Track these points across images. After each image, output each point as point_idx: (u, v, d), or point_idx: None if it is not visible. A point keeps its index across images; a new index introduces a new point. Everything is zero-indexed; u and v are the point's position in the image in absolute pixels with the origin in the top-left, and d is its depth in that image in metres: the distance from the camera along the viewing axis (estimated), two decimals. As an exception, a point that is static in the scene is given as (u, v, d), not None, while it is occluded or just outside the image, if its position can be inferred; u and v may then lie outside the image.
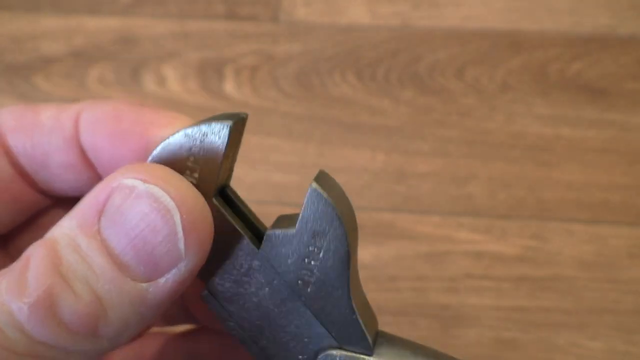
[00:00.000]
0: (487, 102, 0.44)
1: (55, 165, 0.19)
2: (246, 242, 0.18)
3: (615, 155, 0.42)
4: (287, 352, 0.18)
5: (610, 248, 0.40)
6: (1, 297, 0.15)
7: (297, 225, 0.17)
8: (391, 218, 0.41)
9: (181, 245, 0.16)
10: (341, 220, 0.17)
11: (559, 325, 0.38)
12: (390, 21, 0.47)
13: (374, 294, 0.38)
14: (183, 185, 0.16)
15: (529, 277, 0.39)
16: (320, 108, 0.44)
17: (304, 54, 0.46)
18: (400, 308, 0.39)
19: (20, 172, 0.20)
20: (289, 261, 0.17)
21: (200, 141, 0.17)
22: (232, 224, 0.18)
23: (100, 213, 0.16)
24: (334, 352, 0.18)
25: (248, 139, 0.44)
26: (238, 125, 0.17)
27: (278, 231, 0.17)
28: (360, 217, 0.41)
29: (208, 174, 0.17)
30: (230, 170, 0.18)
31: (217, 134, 0.17)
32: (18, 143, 0.19)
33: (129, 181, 0.16)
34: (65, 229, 0.16)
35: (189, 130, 0.17)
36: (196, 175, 0.17)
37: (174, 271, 0.16)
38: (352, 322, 0.18)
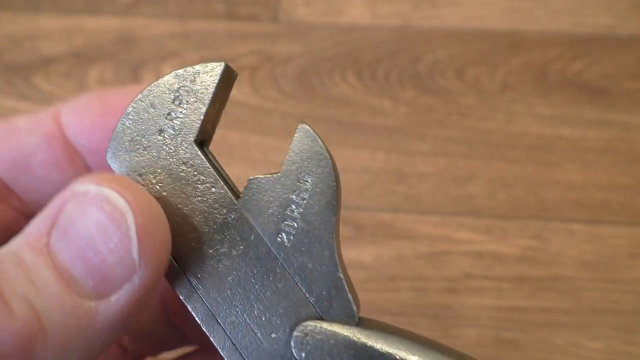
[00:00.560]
0: (487, 102, 0.44)
1: (38, 165, 0.19)
2: (223, 192, 0.17)
3: (615, 155, 0.42)
4: (258, 330, 0.16)
5: (610, 248, 0.40)
6: None
7: (283, 167, 0.16)
8: (391, 218, 0.41)
9: (135, 253, 0.14)
10: (331, 159, 0.16)
11: (559, 325, 0.38)
12: (390, 21, 0.47)
13: (374, 294, 0.38)
14: (137, 189, 0.15)
15: (529, 277, 0.39)
16: (320, 108, 0.44)
17: (304, 54, 0.46)
18: (400, 308, 0.39)
19: None
20: (270, 211, 0.16)
21: (191, 81, 0.17)
22: (211, 172, 0.17)
23: (53, 225, 0.15)
24: (312, 323, 0.16)
25: (248, 139, 0.44)
26: (230, 71, 0.17)
27: (261, 176, 0.17)
28: (360, 217, 0.42)
29: (192, 117, 0.17)
30: (214, 123, 0.18)
31: (209, 72, 0.17)
32: None
33: (82, 187, 0.15)
34: (12, 245, 0.15)
35: (181, 71, 0.17)
36: (177, 121, 0.17)
37: (126, 286, 0.14)
38: (335, 283, 0.16)
